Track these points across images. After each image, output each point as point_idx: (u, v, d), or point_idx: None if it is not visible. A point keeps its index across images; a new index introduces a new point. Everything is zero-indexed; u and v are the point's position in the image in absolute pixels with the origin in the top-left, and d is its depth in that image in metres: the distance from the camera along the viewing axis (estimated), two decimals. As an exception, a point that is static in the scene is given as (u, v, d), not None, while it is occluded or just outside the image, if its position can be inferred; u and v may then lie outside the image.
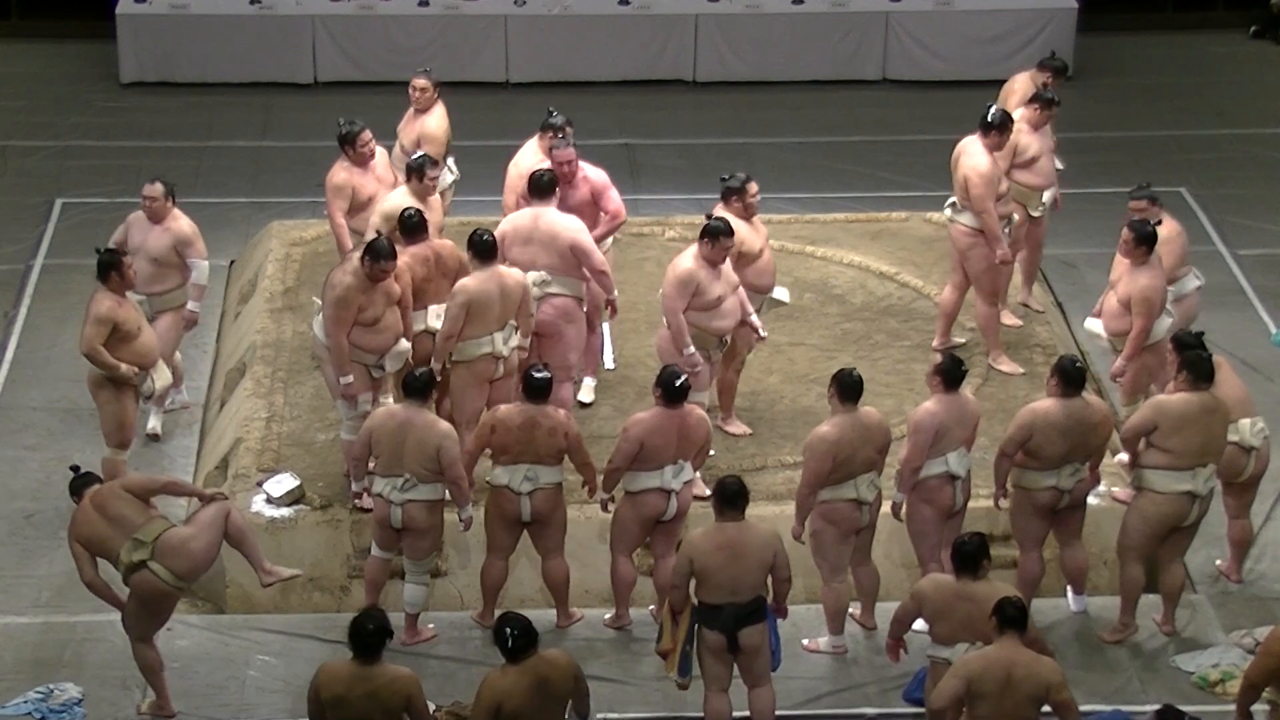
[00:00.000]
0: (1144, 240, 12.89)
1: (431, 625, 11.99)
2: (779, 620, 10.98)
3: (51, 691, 11.38)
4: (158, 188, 13.61)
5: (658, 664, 11.67)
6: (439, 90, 14.86)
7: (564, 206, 13.07)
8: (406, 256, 12.52)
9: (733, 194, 13.00)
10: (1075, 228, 16.38)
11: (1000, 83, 20.36)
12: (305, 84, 20.14)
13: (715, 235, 12.39)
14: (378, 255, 12.16)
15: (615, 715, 11.37)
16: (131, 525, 10.92)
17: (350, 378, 12.25)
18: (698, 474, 12.07)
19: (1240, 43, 21.83)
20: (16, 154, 18.72)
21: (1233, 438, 12.09)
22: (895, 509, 11.79)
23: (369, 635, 9.89)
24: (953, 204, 14.00)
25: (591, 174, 13.41)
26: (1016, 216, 14.07)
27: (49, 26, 21.51)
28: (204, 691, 11.45)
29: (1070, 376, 11.71)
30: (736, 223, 12.79)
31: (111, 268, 12.58)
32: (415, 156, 13.39)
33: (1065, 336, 14.64)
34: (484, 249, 12.34)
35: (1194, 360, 11.79)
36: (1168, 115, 19.68)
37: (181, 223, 13.67)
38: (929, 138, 19.28)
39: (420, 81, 14.82)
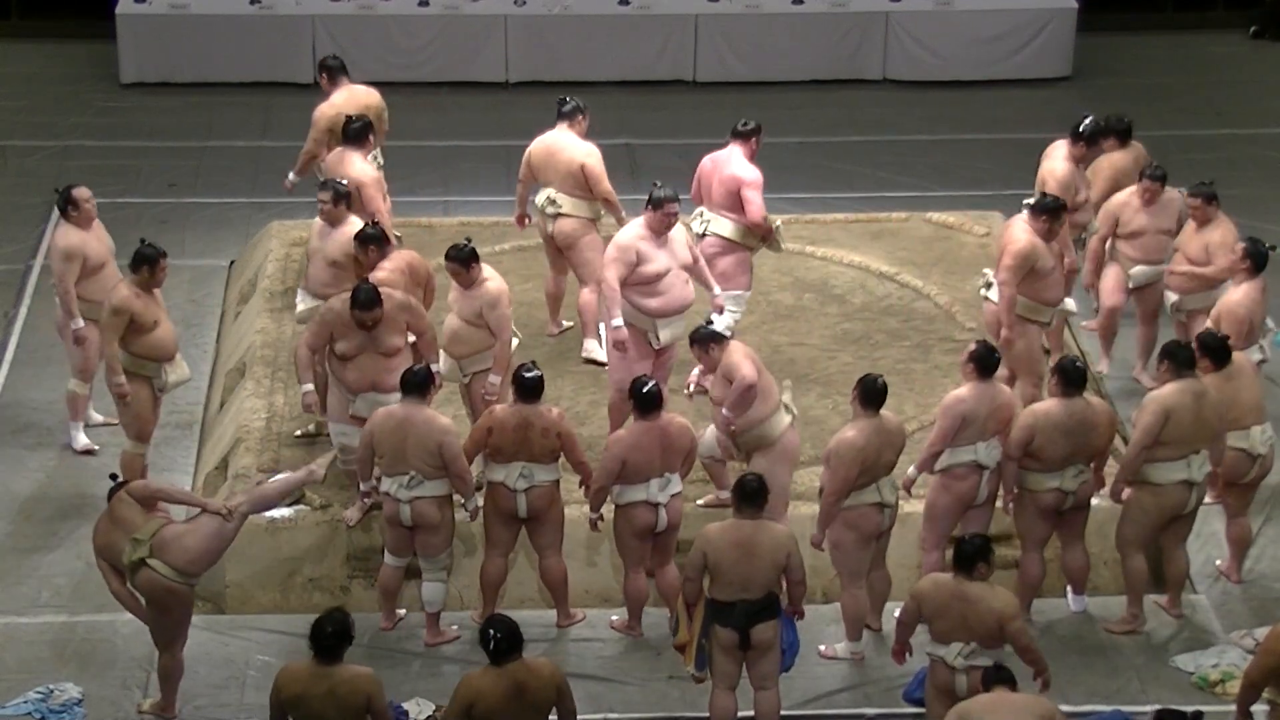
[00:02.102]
0: (1251, 257, 12.93)
1: (455, 626, 11.98)
2: (797, 621, 11.03)
3: (51, 691, 11.38)
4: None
5: (658, 664, 11.68)
6: (334, 76, 14.94)
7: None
8: (387, 269, 12.62)
9: (1046, 213, 12.85)
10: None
11: (1000, 83, 20.48)
12: (305, 84, 20.10)
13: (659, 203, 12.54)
14: (353, 303, 12.05)
15: (615, 715, 11.36)
16: (132, 528, 10.94)
17: (310, 386, 12.28)
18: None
19: (1240, 43, 21.84)
20: (16, 154, 18.73)
21: (1241, 444, 12.11)
22: (906, 484, 11.80)
23: (327, 638, 9.92)
24: (1027, 204, 14.02)
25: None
26: (1100, 227, 13.94)
27: (49, 26, 21.52)
28: (204, 691, 11.45)
29: (1071, 376, 11.71)
30: (1036, 240, 12.79)
31: (145, 262, 12.60)
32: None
33: (1066, 337, 14.62)
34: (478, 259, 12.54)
35: (1173, 350, 11.87)
36: (1168, 115, 19.68)
37: None
38: (929, 138, 19.31)
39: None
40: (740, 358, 11.81)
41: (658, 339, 12.67)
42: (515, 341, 12.63)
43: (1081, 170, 13.97)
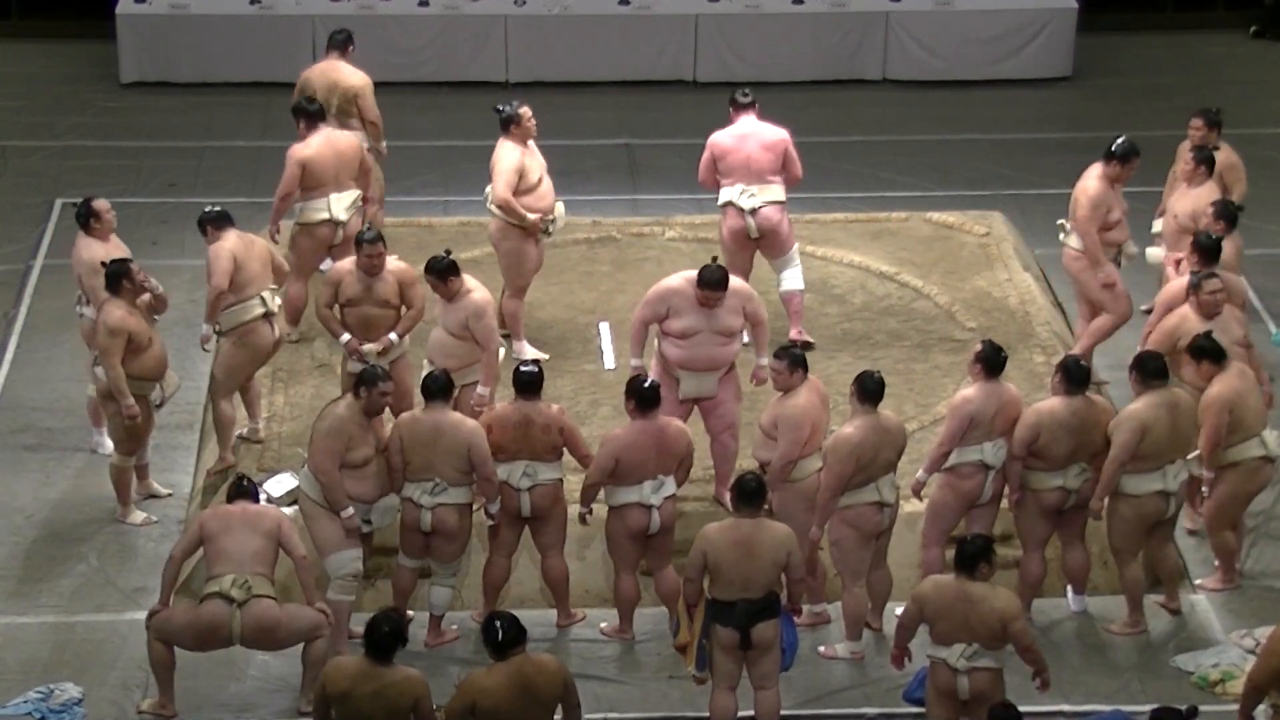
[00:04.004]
0: (1199, 249, 12.99)
1: (455, 626, 11.97)
2: (796, 620, 11.03)
3: (51, 691, 11.38)
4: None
5: (658, 664, 11.69)
6: (330, 47, 15.45)
7: None
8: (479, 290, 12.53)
9: (1205, 285, 12.59)
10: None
11: (1000, 83, 20.44)
12: (305, 84, 20.14)
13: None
14: (367, 383, 11.48)
15: (615, 715, 11.36)
16: (250, 563, 10.97)
17: (350, 510, 11.50)
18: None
19: (1240, 43, 21.83)
20: (16, 154, 18.72)
21: (1259, 452, 12.08)
22: (916, 487, 11.81)
23: (382, 637, 9.95)
24: (1062, 224, 13.99)
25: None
26: (1134, 250, 13.92)
27: (49, 26, 21.50)
28: (204, 691, 11.45)
29: (1074, 374, 11.73)
30: (1188, 313, 12.54)
31: (121, 277, 12.51)
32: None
33: (1066, 336, 14.62)
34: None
35: (1142, 360, 11.87)
36: (1168, 115, 19.62)
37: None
38: (929, 138, 19.30)
39: None
40: (800, 404, 11.56)
41: (677, 386, 12.31)
42: (501, 351, 12.59)
43: (1118, 190, 13.89)
